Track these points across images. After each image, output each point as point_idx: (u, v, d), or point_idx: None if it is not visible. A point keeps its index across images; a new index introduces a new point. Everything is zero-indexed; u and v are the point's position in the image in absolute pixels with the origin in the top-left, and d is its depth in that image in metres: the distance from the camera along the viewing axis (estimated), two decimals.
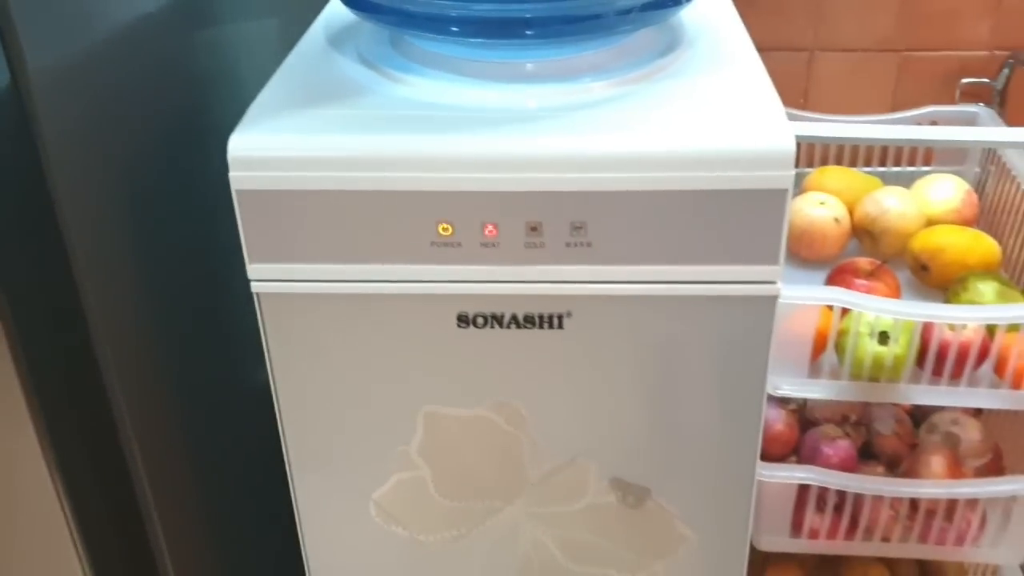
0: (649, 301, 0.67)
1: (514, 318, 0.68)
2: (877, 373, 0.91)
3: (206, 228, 0.75)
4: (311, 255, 0.66)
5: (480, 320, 0.68)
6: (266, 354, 0.71)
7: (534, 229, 0.64)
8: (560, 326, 0.68)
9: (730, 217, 0.63)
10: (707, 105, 0.66)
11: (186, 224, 0.76)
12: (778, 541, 1.03)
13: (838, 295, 0.88)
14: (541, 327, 0.68)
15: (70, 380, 0.67)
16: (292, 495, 0.77)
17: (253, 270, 0.67)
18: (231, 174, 0.64)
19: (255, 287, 0.68)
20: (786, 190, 0.62)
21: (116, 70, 0.66)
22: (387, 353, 0.70)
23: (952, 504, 0.97)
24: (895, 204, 1.10)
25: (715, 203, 0.63)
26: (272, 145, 0.64)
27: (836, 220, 1.11)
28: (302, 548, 0.80)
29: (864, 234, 1.12)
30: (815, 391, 0.93)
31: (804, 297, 0.87)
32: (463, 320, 0.68)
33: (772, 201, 0.62)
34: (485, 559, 0.79)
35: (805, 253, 1.09)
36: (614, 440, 0.73)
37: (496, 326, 0.68)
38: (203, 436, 0.82)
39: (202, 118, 0.77)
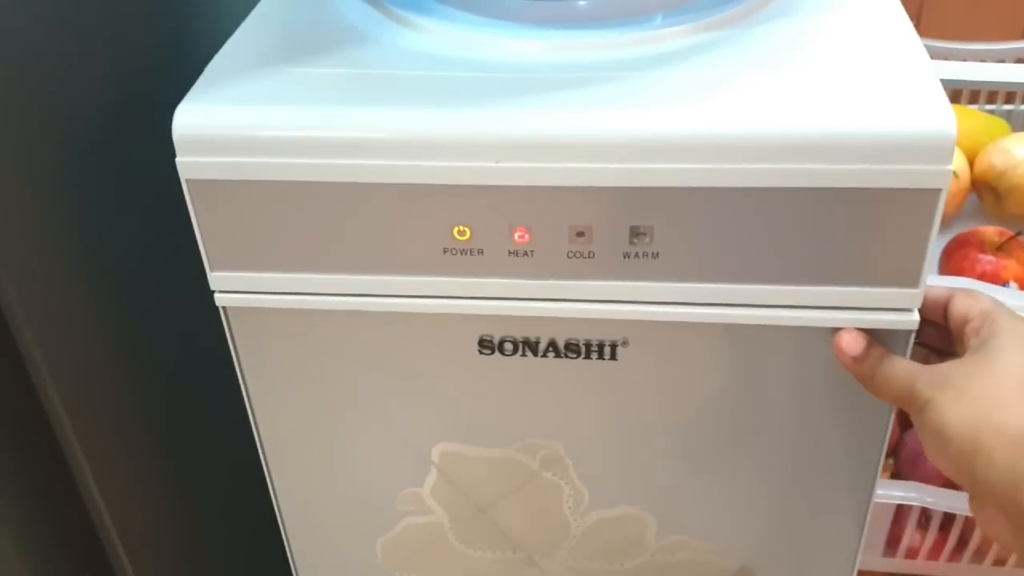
0: (734, 331, 0.50)
1: (552, 345, 0.52)
2: None
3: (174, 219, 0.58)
4: (289, 263, 0.50)
5: (508, 346, 0.52)
6: (240, 379, 0.56)
7: (580, 235, 0.47)
8: (613, 356, 0.52)
9: (856, 224, 0.46)
10: (825, 64, 0.48)
11: (147, 217, 0.60)
12: (868, 560, 0.88)
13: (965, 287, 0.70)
14: (588, 357, 0.52)
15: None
16: (283, 533, 0.64)
17: (216, 279, 0.52)
18: (178, 159, 0.48)
19: (219, 299, 0.53)
20: (940, 191, 0.44)
21: (50, 19, 0.50)
22: (390, 382, 0.55)
23: None
24: None
25: (833, 205, 0.45)
26: (232, 120, 0.47)
27: (954, 174, 0.92)
28: None
29: (986, 190, 0.94)
30: None
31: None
32: (486, 345, 0.52)
33: (919, 205, 0.45)
34: None
35: None
36: (680, 493, 0.58)
37: (529, 354, 0.52)
38: (175, 467, 0.68)
39: (171, 78, 0.60)
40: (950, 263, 0.84)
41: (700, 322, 0.50)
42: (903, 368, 0.47)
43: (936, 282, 0.71)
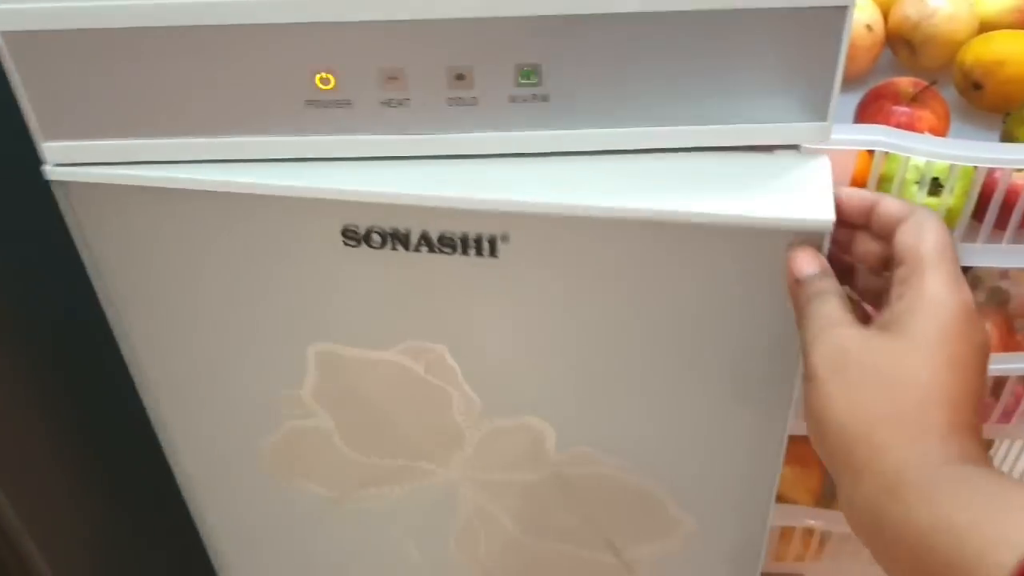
0: (613, 227, 0.45)
1: (425, 239, 0.46)
2: None
3: None
4: (129, 126, 0.44)
5: (376, 238, 0.47)
6: (89, 270, 0.50)
7: (461, 77, 0.42)
8: (492, 253, 0.46)
9: (759, 51, 0.42)
10: None
11: None
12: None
13: (883, 137, 0.67)
14: (465, 253, 0.46)
15: None
16: (161, 437, 0.59)
17: (49, 151, 0.45)
18: None
19: (51, 173, 0.46)
20: (845, 8, 0.40)
21: None
22: (253, 273, 0.50)
23: (1001, 379, 0.81)
24: (942, 4, 0.87)
25: (736, 29, 0.41)
26: None
27: (868, 27, 0.89)
28: (190, 507, 0.62)
29: (901, 44, 0.91)
30: None
31: (839, 141, 0.66)
32: (351, 236, 0.47)
33: (824, 25, 0.41)
34: (416, 522, 0.61)
35: None
36: (579, 401, 0.54)
37: (400, 247, 0.47)
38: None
39: None
40: (864, 116, 0.81)
41: (583, 217, 0.44)
42: (825, 316, 0.40)
43: (850, 131, 0.68)
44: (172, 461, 0.60)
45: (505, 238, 0.46)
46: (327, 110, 0.43)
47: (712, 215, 0.43)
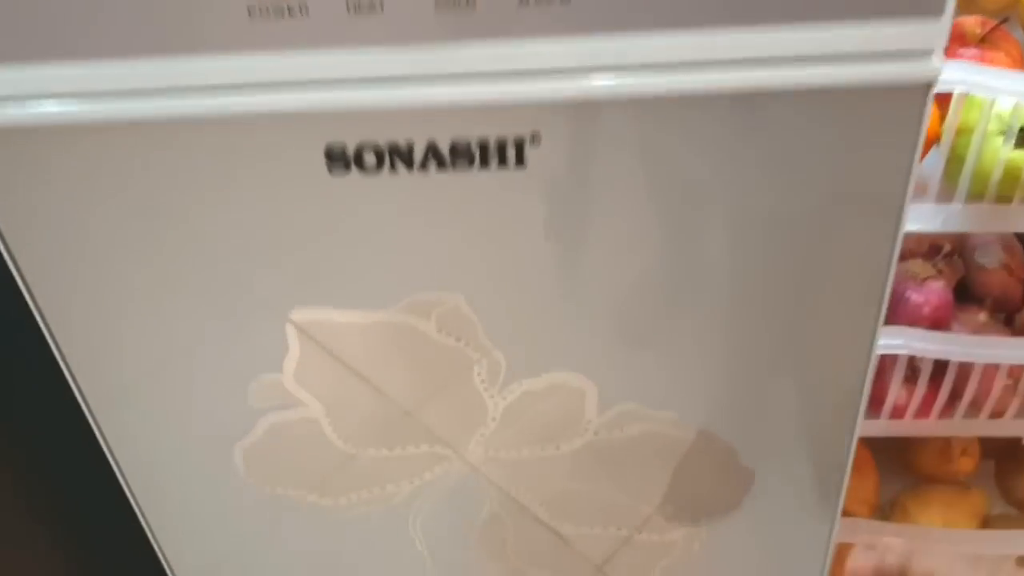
0: (685, 106, 0.35)
1: (432, 151, 0.37)
2: (1010, 190, 0.61)
3: None
4: (24, 46, 0.34)
5: (369, 157, 0.37)
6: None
7: None
8: (520, 162, 0.37)
9: None
10: None
11: None
12: None
13: (962, 74, 0.56)
14: (485, 165, 0.37)
15: None
16: (112, 462, 0.48)
17: None
18: None
19: None
20: None
21: None
22: (210, 225, 0.39)
23: None
24: None
25: None
26: None
27: None
28: (147, 531, 0.52)
29: None
30: (915, 221, 0.63)
31: None
32: (337, 158, 0.37)
33: None
34: (429, 520, 0.51)
35: None
36: (624, 350, 0.44)
37: (400, 167, 0.37)
38: None
39: None
40: None
41: (635, 98, 0.35)
42: None
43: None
44: (125, 485, 0.49)
45: (535, 139, 0.36)
46: (277, 21, 0.32)
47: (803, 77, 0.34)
